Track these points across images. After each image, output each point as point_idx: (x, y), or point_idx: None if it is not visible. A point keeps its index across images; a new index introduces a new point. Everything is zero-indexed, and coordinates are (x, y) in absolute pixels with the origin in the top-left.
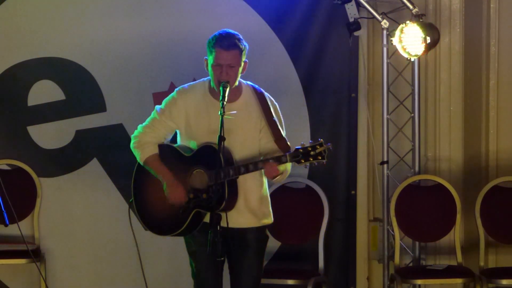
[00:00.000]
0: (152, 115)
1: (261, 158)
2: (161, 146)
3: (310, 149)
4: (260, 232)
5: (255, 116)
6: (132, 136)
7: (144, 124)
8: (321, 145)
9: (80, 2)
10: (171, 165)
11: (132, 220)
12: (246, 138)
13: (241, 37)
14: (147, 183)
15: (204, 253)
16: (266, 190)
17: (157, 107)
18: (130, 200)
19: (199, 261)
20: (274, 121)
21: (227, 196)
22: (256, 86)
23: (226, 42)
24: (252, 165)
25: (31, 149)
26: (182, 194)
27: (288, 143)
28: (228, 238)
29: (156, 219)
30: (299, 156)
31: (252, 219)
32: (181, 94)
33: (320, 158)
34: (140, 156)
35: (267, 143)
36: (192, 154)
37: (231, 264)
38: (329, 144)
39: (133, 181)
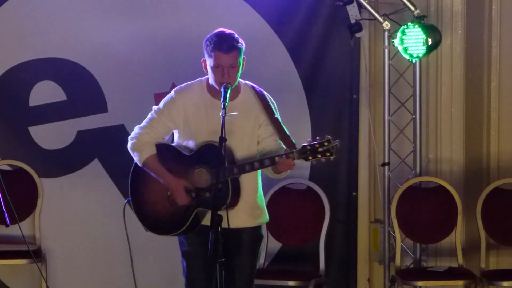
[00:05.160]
0: (149, 116)
1: (258, 156)
2: (159, 146)
3: (318, 145)
4: (255, 232)
5: (254, 114)
6: (129, 137)
7: (141, 125)
8: (329, 141)
9: (81, 2)
10: (171, 164)
11: (127, 221)
12: (245, 137)
13: (237, 36)
14: (145, 183)
15: (196, 253)
16: (261, 189)
17: (155, 107)
18: (127, 200)
19: (190, 260)
20: (277, 118)
21: (231, 193)
22: (255, 85)
23: (225, 46)
24: (257, 162)
25: (32, 150)
26: (184, 196)
27: (293, 140)
28: (226, 237)
29: (155, 219)
30: (306, 153)
31: (249, 218)
32: (180, 94)
33: (328, 154)
34: (138, 157)
35: (267, 138)
36: (192, 153)
37: (225, 262)
38: (337, 140)
39: (130, 181)
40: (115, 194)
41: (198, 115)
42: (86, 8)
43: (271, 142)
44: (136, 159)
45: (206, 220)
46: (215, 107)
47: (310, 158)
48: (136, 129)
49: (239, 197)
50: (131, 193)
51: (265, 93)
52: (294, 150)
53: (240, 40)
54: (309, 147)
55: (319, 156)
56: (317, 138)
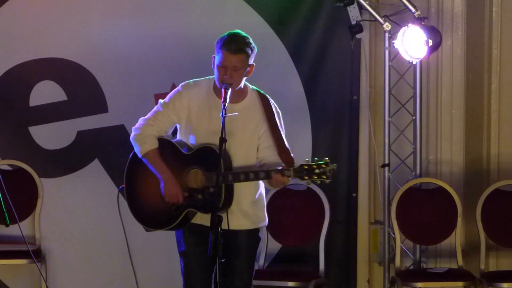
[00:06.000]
0: (155, 108)
1: (260, 167)
2: (160, 140)
3: (315, 167)
4: (251, 235)
5: (256, 121)
6: (133, 128)
7: (146, 117)
8: (327, 164)
9: (82, 2)
10: (168, 161)
11: (126, 220)
12: (244, 142)
13: (250, 40)
14: (141, 174)
15: (193, 253)
16: (262, 195)
17: (161, 100)
18: (120, 188)
19: (187, 260)
20: (278, 130)
21: (223, 200)
22: (262, 91)
23: (233, 46)
24: (253, 173)
25: (33, 150)
26: (179, 193)
27: (292, 154)
28: (223, 238)
29: (147, 212)
30: (303, 172)
31: (243, 221)
32: (186, 88)
33: (324, 177)
34: (140, 149)
35: (266, 149)
36: (191, 153)
37: (223, 264)
38: (334, 164)
39: (126, 171)
40: (115, 194)
41: (201, 113)
42: (86, 8)
43: (270, 153)
44: (137, 150)
45: (203, 220)
46: (218, 107)
47: (306, 178)
48: (141, 120)
49: (231, 203)
50: (126, 182)
51: (272, 101)
52: (291, 168)
53: (252, 46)
54: (306, 167)
55: (315, 177)
56: (315, 159)
